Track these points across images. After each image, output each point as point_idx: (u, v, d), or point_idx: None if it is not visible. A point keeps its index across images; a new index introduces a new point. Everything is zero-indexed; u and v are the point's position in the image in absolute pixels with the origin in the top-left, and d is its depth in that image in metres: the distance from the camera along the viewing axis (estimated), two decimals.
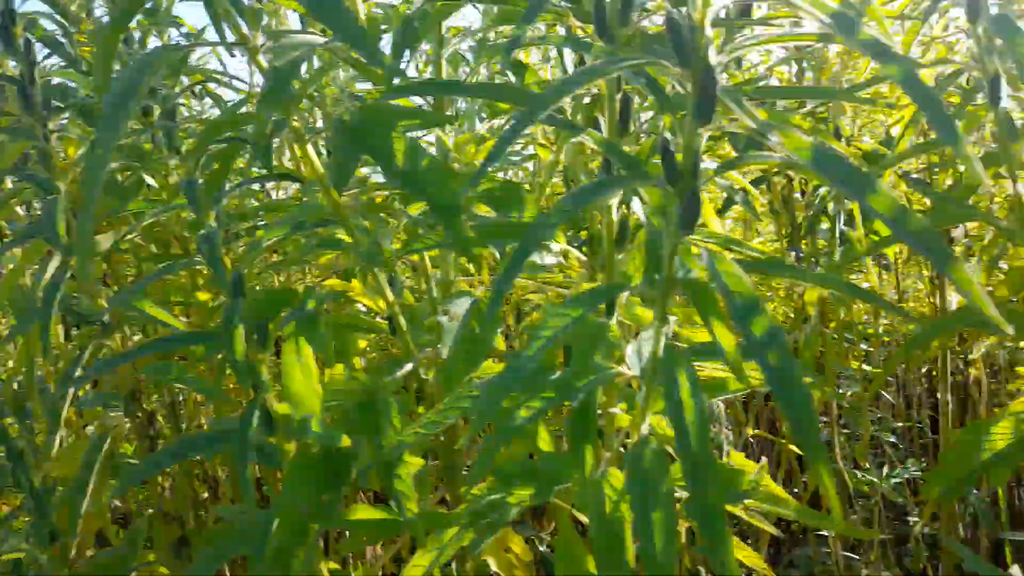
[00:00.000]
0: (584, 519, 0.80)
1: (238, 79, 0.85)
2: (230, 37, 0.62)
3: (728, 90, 0.43)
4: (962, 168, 1.08)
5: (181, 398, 1.13)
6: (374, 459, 0.67)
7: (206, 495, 1.06)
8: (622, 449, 0.66)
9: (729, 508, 0.70)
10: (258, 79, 0.97)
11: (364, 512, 0.71)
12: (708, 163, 0.51)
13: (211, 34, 1.14)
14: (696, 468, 0.47)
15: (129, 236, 1.00)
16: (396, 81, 0.57)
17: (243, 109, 0.83)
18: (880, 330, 1.86)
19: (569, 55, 0.84)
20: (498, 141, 0.43)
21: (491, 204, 0.72)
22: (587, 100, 0.62)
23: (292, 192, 1.02)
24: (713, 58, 0.43)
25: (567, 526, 0.77)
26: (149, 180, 1.07)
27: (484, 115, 0.81)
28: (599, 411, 0.65)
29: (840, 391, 1.71)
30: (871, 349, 1.90)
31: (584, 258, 0.69)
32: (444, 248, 0.72)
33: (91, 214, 0.57)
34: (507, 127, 0.45)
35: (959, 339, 1.62)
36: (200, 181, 0.68)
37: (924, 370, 1.74)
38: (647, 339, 0.63)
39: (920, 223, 0.38)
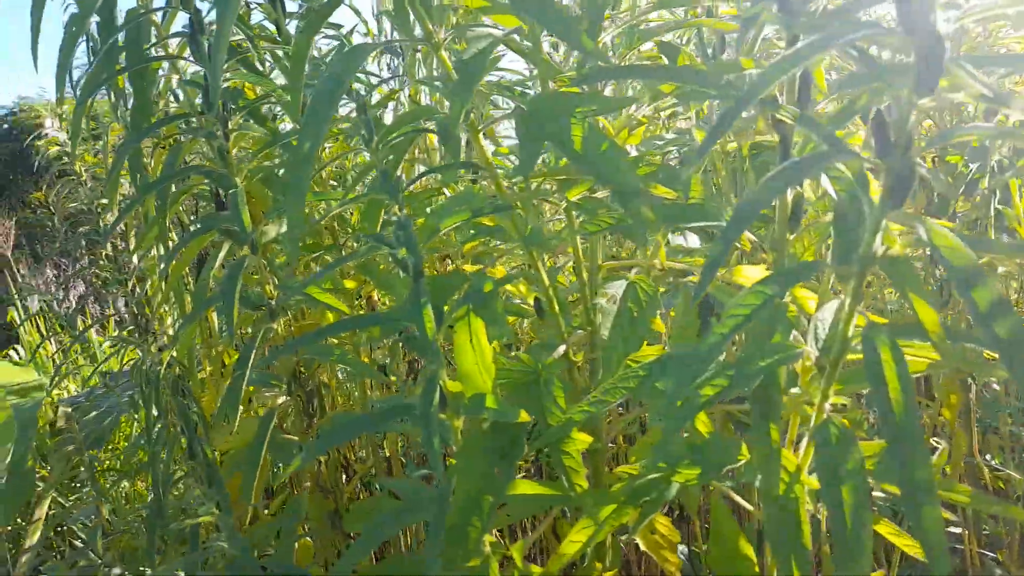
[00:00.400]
0: (743, 503, 0.80)
1: (375, 75, 0.89)
2: (416, 33, 0.66)
3: (952, 59, 0.43)
4: None
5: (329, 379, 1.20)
6: (542, 435, 0.70)
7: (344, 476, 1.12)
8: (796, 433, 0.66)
9: None
10: (424, 73, 1.02)
11: (530, 488, 0.73)
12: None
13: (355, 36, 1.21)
14: (902, 442, 0.47)
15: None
16: (590, 64, 0.59)
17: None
18: None
19: (716, 39, 0.84)
20: (711, 129, 0.44)
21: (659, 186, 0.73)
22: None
23: (431, 184, 1.07)
24: (941, 25, 0.42)
25: (720, 507, 0.77)
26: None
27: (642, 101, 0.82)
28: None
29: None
30: None
31: (754, 238, 0.69)
32: (616, 231, 0.74)
33: (301, 204, 0.62)
34: (721, 109, 0.46)
35: None
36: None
37: None
38: (823, 320, 0.63)
39: None
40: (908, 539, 0.82)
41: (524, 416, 0.66)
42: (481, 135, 0.72)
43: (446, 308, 0.72)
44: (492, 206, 0.68)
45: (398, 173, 0.77)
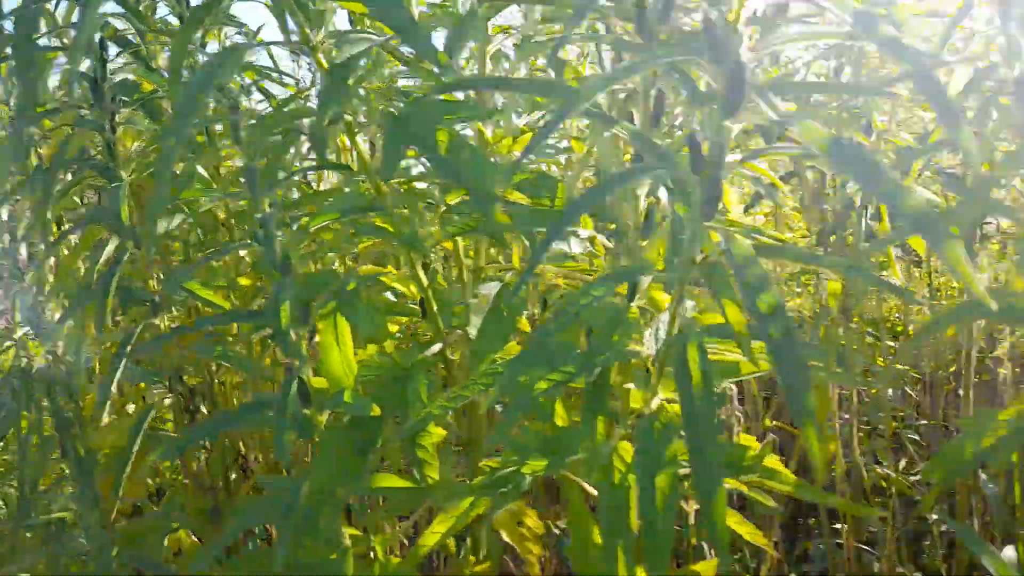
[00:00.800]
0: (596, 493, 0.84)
1: (288, 75, 0.91)
2: (293, 36, 0.69)
3: (756, 86, 0.48)
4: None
5: (217, 381, 1.20)
6: (401, 430, 0.72)
7: (234, 475, 1.11)
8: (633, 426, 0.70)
9: (731, 482, 0.74)
10: (306, 75, 1.04)
11: (388, 480, 0.75)
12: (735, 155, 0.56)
13: (267, 33, 1.22)
14: (697, 431, 0.51)
15: (180, 223, 1.07)
16: (446, 78, 0.62)
17: (291, 105, 0.89)
18: (910, 328, 1.88)
19: (607, 53, 0.89)
20: (539, 131, 0.48)
21: (525, 194, 0.77)
22: (623, 96, 0.67)
23: (333, 184, 1.08)
24: (744, 55, 0.47)
25: (578, 500, 0.81)
26: (200, 170, 1.14)
27: (520, 110, 0.86)
28: (615, 390, 0.69)
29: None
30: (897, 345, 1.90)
31: (611, 245, 0.73)
32: (476, 233, 0.77)
33: (163, 200, 0.63)
34: (547, 119, 0.50)
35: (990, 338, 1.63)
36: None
37: (952, 370, 1.74)
38: (664, 322, 0.67)
39: (918, 203, 0.42)
40: (751, 527, 0.88)
41: (376, 411, 0.68)
42: (359, 137, 0.75)
43: (312, 305, 0.74)
44: (361, 207, 0.71)
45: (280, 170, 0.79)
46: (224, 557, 0.87)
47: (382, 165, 0.66)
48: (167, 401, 1.13)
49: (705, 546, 0.95)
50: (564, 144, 0.94)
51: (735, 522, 0.88)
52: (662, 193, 0.66)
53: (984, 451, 0.81)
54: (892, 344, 1.69)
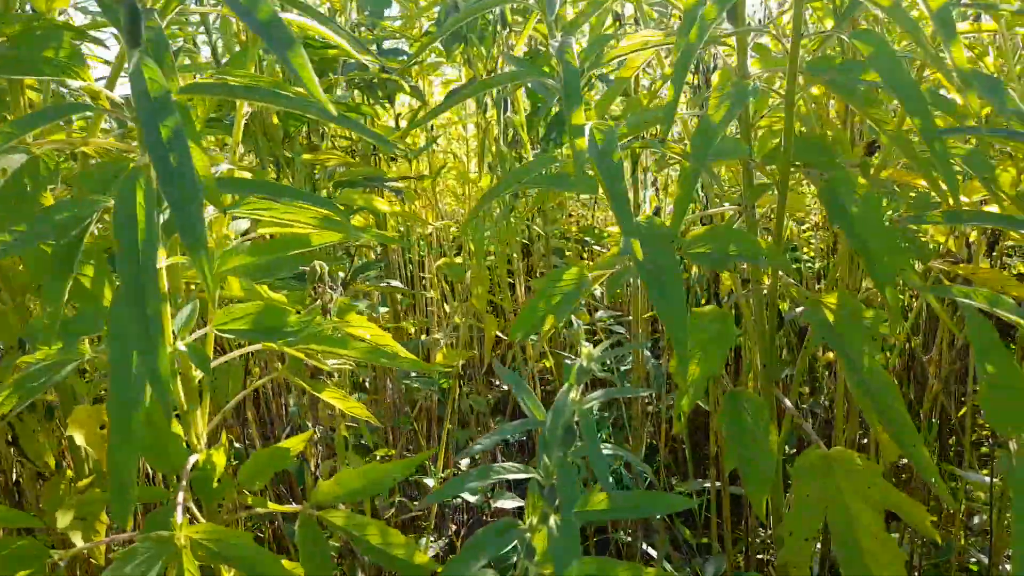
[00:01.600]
0: None
1: None
2: None
3: None
4: None
5: None
6: None
7: None
8: None
9: (287, 348, 0.73)
10: None
11: None
12: None
13: None
14: (137, 278, 0.47)
15: None
16: None
17: None
18: None
19: None
20: None
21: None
22: None
23: None
24: None
25: None
26: None
27: None
28: None
29: None
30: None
31: (117, 99, 0.65)
32: None
33: None
34: None
35: None
36: None
37: None
38: None
39: (268, 14, 0.40)
40: (353, 402, 0.90)
41: None
42: None
43: None
44: None
45: None
46: None
47: None
48: None
49: None
50: None
51: (335, 397, 0.89)
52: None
53: (552, 308, 0.89)
54: None
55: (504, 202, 1.50)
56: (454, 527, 1.51)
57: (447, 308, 1.90)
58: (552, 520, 0.69)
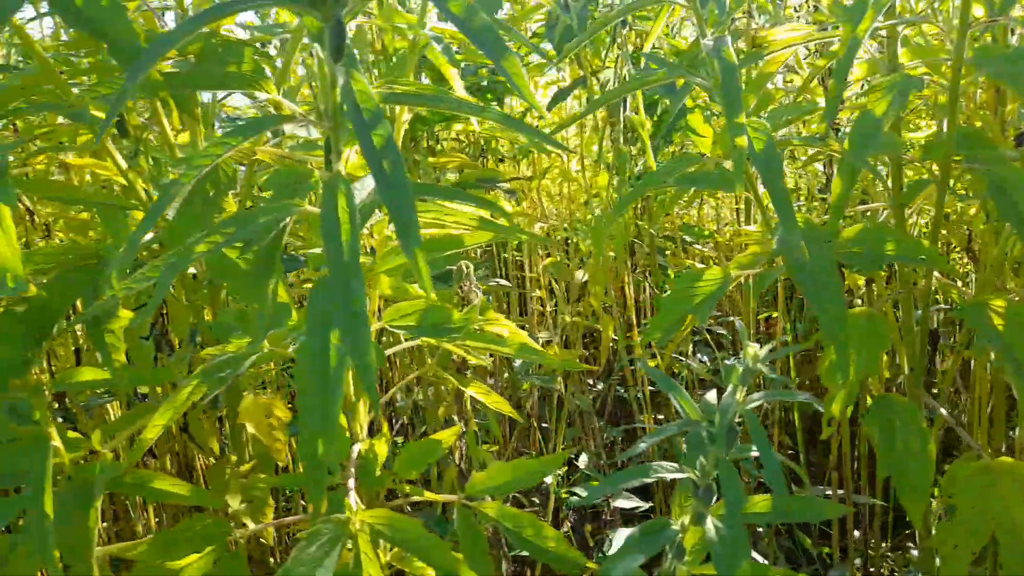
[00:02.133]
0: None
1: None
2: None
3: None
4: None
5: None
6: (80, 317, 0.67)
7: None
8: None
9: (450, 345, 0.76)
10: None
11: (87, 374, 0.71)
12: None
13: None
14: (343, 276, 0.51)
15: None
16: None
17: None
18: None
19: None
20: None
21: (211, 63, 0.71)
22: None
23: None
24: None
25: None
26: None
27: None
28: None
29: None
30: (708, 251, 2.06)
31: (298, 110, 0.70)
32: (128, 97, 0.71)
33: None
34: None
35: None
36: None
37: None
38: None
39: (482, 23, 0.42)
40: (497, 397, 0.92)
41: (33, 290, 0.63)
42: None
43: None
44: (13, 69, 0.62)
45: None
46: None
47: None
48: None
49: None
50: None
51: (481, 392, 0.92)
52: (316, 48, 0.63)
53: (692, 308, 0.88)
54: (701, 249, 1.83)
55: (618, 201, 1.50)
56: (568, 524, 1.52)
57: (546, 307, 1.92)
58: (710, 521, 0.68)
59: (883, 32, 0.82)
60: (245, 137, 0.53)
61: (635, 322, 1.65)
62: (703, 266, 1.52)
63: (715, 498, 0.71)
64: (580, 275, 1.78)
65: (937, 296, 1.29)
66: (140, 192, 0.81)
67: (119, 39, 0.59)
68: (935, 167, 0.83)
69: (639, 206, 1.98)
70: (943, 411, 0.91)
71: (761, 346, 0.66)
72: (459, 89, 0.85)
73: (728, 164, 0.89)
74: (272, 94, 0.69)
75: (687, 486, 0.77)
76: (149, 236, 0.81)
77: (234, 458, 0.97)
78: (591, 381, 2.00)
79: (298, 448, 0.76)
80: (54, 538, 0.64)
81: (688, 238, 2.16)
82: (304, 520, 0.86)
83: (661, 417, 1.72)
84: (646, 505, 1.45)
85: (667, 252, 2.07)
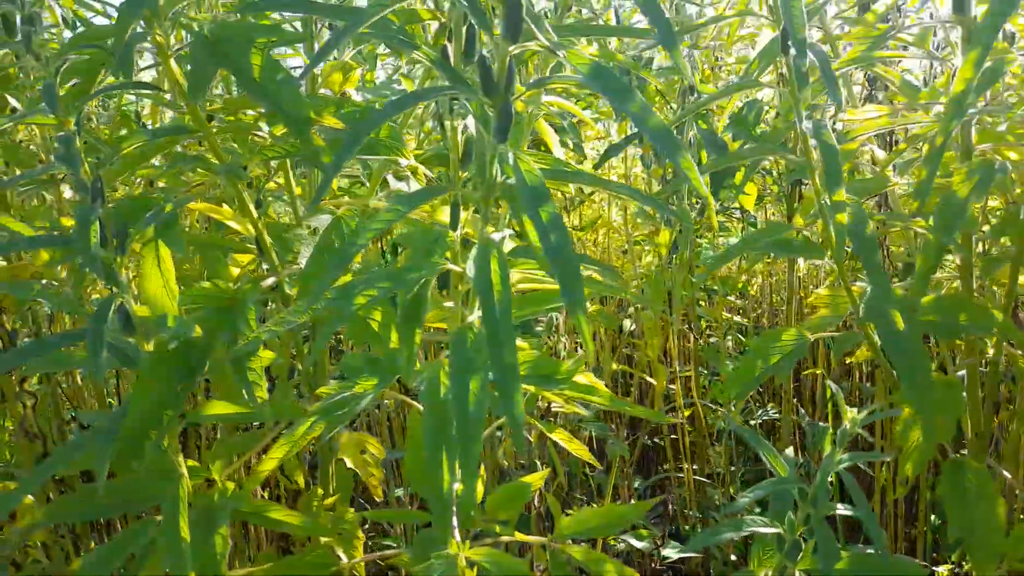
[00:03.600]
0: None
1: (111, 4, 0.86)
2: None
3: (535, 16, 0.52)
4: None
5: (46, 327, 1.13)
6: (229, 355, 0.73)
7: (71, 418, 1.07)
8: None
9: (549, 394, 0.81)
10: None
11: (219, 408, 0.76)
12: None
13: None
14: (496, 332, 0.56)
15: None
16: None
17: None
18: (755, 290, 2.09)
19: None
20: (323, 47, 0.50)
21: (351, 123, 0.78)
22: (437, 28, 0.70)
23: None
24: None
25: (416, 423, 0.86)
26: (14, 103, 1.06)
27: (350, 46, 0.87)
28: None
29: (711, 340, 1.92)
30: (741, 302, 2.11)
31: (431, 174, 0.77)
32: (291, 157, 0.78)
33: None
34: (333, 36, 0.51)
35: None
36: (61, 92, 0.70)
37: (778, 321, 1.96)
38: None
39: (658, 122, 0.49)
40: (578, 444, 0.97)
41: (198, 332, 0.68)
42: (172, 61, 0.73)
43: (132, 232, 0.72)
44: (173, 130, 0.69)
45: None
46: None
47: (189, 87, 0.65)
48: None
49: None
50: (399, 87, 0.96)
51: (564, 438, 0.96)
52: (470, 121, 0.70)
53: (771, 367, 0.93)
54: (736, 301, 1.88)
55: (673, 257, 1.56)
56: None
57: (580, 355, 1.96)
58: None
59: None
60: (415, 206, 0.59)
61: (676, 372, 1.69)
62: (780, 328, 1.57)
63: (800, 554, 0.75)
64: (628, 324, 1.83)
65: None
66: (266, 240, 0.87)
67: (290, 110, 0.66)
68: (1007, 241, 0.88)
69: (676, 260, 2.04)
70: (1005, 473, 0.94)
71: (805, 406, 0.71)
72: (559, 153, 0.92)
73: (808, 232, 0.95)
74: (409, 160, 0.76)
75: (764, 540, 0.81)
76: (271, 281, 0.88)
77: (320, 491, 1.02)
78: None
79: (414, 485, 0.80)
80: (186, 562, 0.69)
81: (716, 289, 2.21)
82: (397, 555, 0.90)
83: (685, 467, 1.74)
84: (693, 555, 1.47)
85: (701, 303, 2.12)
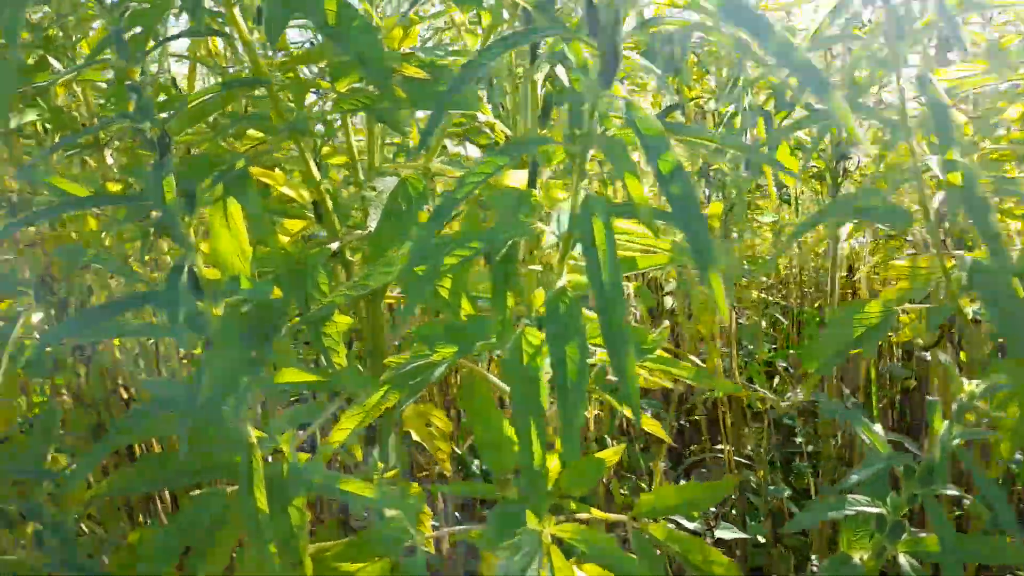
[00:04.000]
0: (504, 386, 0.85)
1: None
2: None
3: None
4: None
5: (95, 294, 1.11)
6: (303, 319, 0.70)
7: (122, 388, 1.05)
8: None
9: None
10: None
11: (293, 375, 0.73)
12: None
13: None
14: (606, 297, 0.52)
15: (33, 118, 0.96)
16: None
17: None
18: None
19: None
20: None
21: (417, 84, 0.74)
22: None
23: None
24: None
25: (484, 393, 0.82)
26: (55, 64, 1.02)
27: None
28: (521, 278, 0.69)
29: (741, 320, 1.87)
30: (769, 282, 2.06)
31: (510, 132, 0.72)
32: (369, 111, 0.74)
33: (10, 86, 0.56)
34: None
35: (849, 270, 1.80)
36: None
37: (818, 304, 1.90)
38: (567, 205, 0.68)
39: (804, 59, 0.44)
40: (651, 420, 0.93)
41: (277, 292, 0.65)
42: (237, 9, 0.69)
43: (200, 188, 0.69)
44: (241, 81, 0.66)
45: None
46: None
47: (265, 30, 0.61)
48: (36, 317, 1.04)
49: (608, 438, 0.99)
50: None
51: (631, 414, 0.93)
52: (559, 71, 0.65)
53: (855, 340, 0.88)
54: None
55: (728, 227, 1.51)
56: None
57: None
58: (903, 558, 0.68)
59: None
60: (516, 156, 0.55)
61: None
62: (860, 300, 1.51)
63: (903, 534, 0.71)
64: (668, 301, 1.78)
65: None
66: (327, 204, 0.83)
67: (371, 59, 0.61)
68: None
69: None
70: None
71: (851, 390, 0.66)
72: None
73: (893, 199, 0.90)
74: (488, 116, 0.72)
75: (856, 521, 0.77)
76: (335, 245, 0.84)
77: (381, 464, 0.99)
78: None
79: (487, 459, 0.77)
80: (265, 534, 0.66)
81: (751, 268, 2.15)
82: (469, 530, 0.87)
83: (725, 447, 1.69)
84: (745, 536, 1.44)
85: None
